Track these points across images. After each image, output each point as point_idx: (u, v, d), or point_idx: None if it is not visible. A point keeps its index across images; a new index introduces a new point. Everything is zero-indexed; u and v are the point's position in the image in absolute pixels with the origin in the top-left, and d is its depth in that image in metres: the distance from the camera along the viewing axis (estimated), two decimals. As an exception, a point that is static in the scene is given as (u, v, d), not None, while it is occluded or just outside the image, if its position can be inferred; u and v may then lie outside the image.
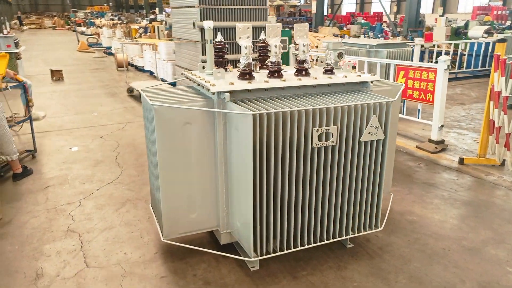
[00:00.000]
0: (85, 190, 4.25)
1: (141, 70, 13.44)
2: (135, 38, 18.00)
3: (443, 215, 3.68)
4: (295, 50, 7.98)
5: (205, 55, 7.47)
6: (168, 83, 9.62)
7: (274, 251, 2.71)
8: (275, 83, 2.74)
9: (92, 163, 5.03)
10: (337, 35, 16.94)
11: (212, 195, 2.92)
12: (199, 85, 2.96)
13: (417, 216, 3.67)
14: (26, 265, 2.97)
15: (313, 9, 23.05)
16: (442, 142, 5.47)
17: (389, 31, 21.65)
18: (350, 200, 2.82)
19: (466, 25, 14.35)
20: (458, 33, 13.96)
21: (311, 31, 17.56)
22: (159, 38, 17.68)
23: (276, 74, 2.87)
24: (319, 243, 2.83)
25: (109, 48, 19.55)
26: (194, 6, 7.48)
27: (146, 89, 3.08)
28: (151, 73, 12.37)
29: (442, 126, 5.40)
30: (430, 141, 5.47)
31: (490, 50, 11.22)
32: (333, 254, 3.06)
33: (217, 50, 3.06)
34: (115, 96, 9.37)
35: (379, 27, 25.20)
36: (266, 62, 2.98)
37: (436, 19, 31.10)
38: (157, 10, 41.99)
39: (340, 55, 3.16)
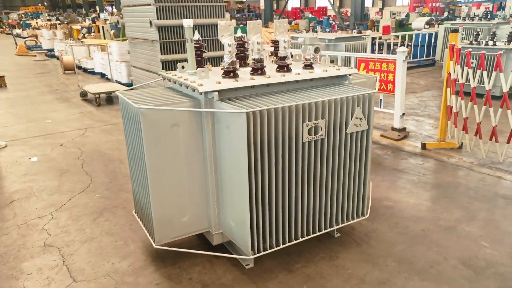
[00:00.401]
0: (55, 202, 4.03)
1: (91, 72, 12.87)
2: (78, 39, 17.15)
3: (417, 199, 3.89)
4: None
5: (165, 54, 7.33)
6: (126, 85, 9.31)
7: (271, 247, 2.73)
8: (260, 80, 2.75)
9: (57, 173, 4.77)
10: (288, 30, 17.20)
11: (203, 196, 2.89)
12: (181, 85, 2.90)
13: (394, 201, 3.85)
14: (7, 286, 2.77)
15: (262, 5, 23.20)
16: (404, 129, 5.75)
17: (337, 25, 22.29)
18: (339, 190, 2.91)
19: (408, 17, 15.11)
20: (402, 25, 14.68)
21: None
22: (104, 38, 17.01)
23: (260, 71, 2.88)
24: (311, 235, 2.89)
25: (51, 50, 18.54)
26: (149, 4, 7.27)
27: (124, 92, 2.97)
28: (102, 75, 11.89)
29: (403, 114, 5.68)
30: (393, 129, 5.74)
31: (433, 40, 11.92)
32: (322, 245, 3.14)
33: (195, 49, 3.00)
34: (68, 101, 8.92)
35: (327, 21, 25.89)
36: (248, 59, 2.97)
37: (377, 12, 32.47)
38: (97, 8, 40.34)
39: (317, 50, 3.22)
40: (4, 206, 3.98)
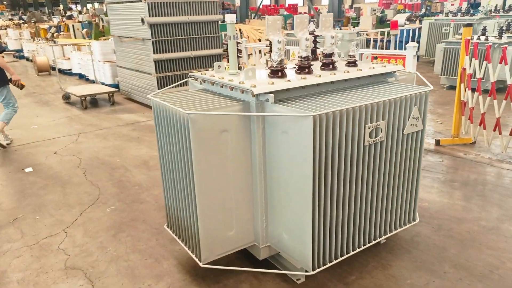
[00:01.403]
0: (65, 217, 3.66)
1: (68, 73, 12.23)
2: (47, 38, 16.29)
3: (450, 198, 3.78)
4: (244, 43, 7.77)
5: (159, 53, 6.97)
6: (112, 86, 8.85)
7: (330, 261, 2.53)
8: (312, 79, 2.53)
9: (58, 184, 4.37)
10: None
11: (249, 208, 2.64)
12: (222, 86, 2.63)
13: (428, 201, 3.72)
14: (35, 320, 2.44)
15: (237, 2, 22.88)
16: (414, 126, 5.66)
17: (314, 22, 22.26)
18: (394, 195, 2.73)
19: (386, 14, 15.25)
20: (382, 21, 14.78)
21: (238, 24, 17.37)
22: (75, 37, 16.24)
23: (307, 70, 2.66)
24: (368, 244, 2.70)
25: (20, 51, 17.57)
26: (140, 1, 6.90)
27: (157, 95, 2.68)
28: (81, 76, 11.31)
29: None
30: (404, 126, 5.64)
31: (416, 36, 12.03)
32: (370, 252, 2.96)
33: (226, 48, 2.75)
34: (49, 104, 8.38)
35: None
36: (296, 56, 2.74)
37: (347, 9, 32.73)
38: (61, 7, 38.70)
39: (356, 46, 3.04)
40: (7, 224, 3.58)
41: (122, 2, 7.54)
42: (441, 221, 3.39)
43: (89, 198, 4.05)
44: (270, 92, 2.34)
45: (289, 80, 2.47)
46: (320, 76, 2.58)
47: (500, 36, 8.04)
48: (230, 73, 2.67)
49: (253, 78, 2.53)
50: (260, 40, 10.85)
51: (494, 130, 4.64)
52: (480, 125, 4.85)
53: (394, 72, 2.92)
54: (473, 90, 4.84)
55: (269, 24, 2.51)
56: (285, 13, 28.23)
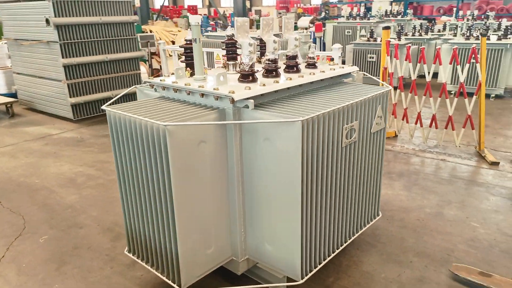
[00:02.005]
0: (-13, 255, 3.06)
1: None
2: None
3: (392, 189, 4.03)
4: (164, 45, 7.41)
5: (68, 57, 6.27)
6: (8, 96, 7.76)
7: (315, 266, 2.48)
8: (287, 83, 2.46)
9: (-33, 216, 3.66)
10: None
11: (227, 221, 2.48)
12: (189, 93, 2.42)
13: (375, 195, 3.91)
14: None
15: (137, 2, 21.86)
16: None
17: (220, 23, 22.34)
18: (364, 193, 2.79)
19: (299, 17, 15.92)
20: (288, 23, 15.39)
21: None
22: None
23: (275, 73, 2.58)
24: (344, 245, 2.72)
25: None
26: (44, -1, 6.14)
27: (113, 107, 2.37)
28: (-36, 85, 9.70)
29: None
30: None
31: (322, 38, 12.73)
32: (341, 252, 2.99)
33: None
34: None
35: (206, 20, 25.76)
36: (262, 59, 2.63)
37: (250, 13, 33.49)
38: None
39: (309, 48, 3.05)
40: None
41: (20, 1, 6.63)
42: (392, 212, 3.58)
43: (13, 229, 3.45)
44: (250, 98, 2.21)
45: (264, 84, 2.36)
46: (290, 79, 2.52)
47: (399, 38, 8.90)
48: (196, 79, 2.47)
49: (225, 83, 2.37)
50: (173, 42, 10.47)
51: (416, 123, 5.09)
52: (403, 119, 5.28)
53: (351, 73, 2.99)
54: (395, 88, 5.25)
55: (238, 26, 2.38)
56: (188, 14, 27.83)
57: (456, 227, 3.34)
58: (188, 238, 2.25)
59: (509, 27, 7.87)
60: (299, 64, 2.76)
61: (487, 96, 5.52)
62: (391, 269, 2.82)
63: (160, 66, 11.18)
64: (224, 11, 26.01)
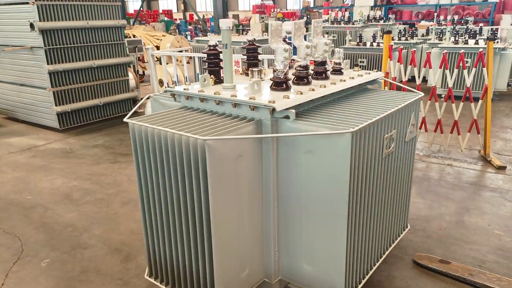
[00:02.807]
0: (-16, 284, 2.76)
1: None
2: None
3: (407, 197, 3.93)
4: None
5: (53, 63, 5.92)
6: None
7: (358, 284, 2.33)
8: (323, 90, 2.31)
9: (-45, 240, 3.32)
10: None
11: (261, 240, 2.29)
12: (218, 103, 2.22)
13: (391, 203, 3.81)
14: None
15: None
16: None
17: (200, 28, 22.13)
18: (398, 205, 2.67)
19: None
20: (271, 28, 15.30)
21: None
22: None
23: (306, 80, 2.42)
24: (381, 259, 2.58)
25: None
26: (27, 3, 5.81)
27: (137, 119, 2.15)
28: None
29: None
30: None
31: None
32: (383, 266, 2.85)
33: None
34: None
35: (185, 24, 25.48)
36: (295, 66, 2.46)
37: (230, 18, 33.50)
38: None
39: (332, 53, 2.92)
40: None
41: (1, 5, 6.24)
42: (412, 221, 3.48)
43: (10, 252, 3.15)
44: (292, 108, 2.04)
45: (301, 93, 2.20)
46: (325, 86, 2.37)
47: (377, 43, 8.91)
48: (225, 87, 2.28)
49: (259, 92, 2.19)
50: (158, 47, 10.19)
51: (420, 128, 5.03)
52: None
53: (378, 79, 2.87)
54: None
55: (272, 30, 2.21)
56: (166, 18, 27.46)
57: (481, 235, 3.26)
58: (225, 260, 2.06)
59: (495, 32, 8.02)
60: (328, 70, 2.62)
61: (476, 99, 5.59)
62: (426, 284, 2.70)
63: (143, 72, 10.89)
64: (203, 16, 25.76)
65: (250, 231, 2.19)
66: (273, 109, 2.00)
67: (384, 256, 2.61)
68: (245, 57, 2.71)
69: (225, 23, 2.16)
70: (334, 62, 2.78)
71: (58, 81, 6.25)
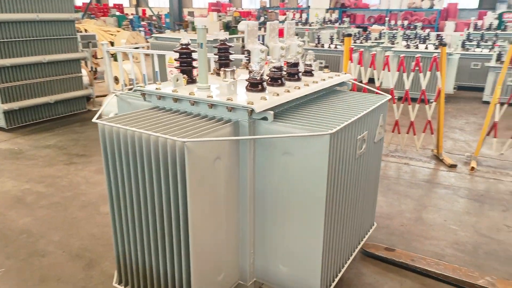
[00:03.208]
0: None
1: None
2: None
3: (369, 195, 4.07)
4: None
5: (2, 58, 5.52)
6: None
7: (331, 284, 2.36)
8: (297, 92, 2.32)
9: None
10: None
11: (237, 243, 2.27)
12: (193, 104, 2.17)
13: (354, 202, 3.92)
14: None
15: None
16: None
17: (155, 24, 21.56)
18: (367, 204, 2.74)
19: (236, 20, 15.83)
20: (228, 27, 15.23)
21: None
22: None
23: (280, 82, 2.42)
24: (351, 258, 2.64)
25: None
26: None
27: (107, 119, 2.05)
28: None
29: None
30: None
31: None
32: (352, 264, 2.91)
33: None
34: None
35: (137, 20, 24.74)
36: (270, 67, 2.44)
37: (186, 15, 33.01)
38: None
39: (305, 55, 2.95)
40: None
41: None
42: (376, 219, 3.58)
43: (-42, 263, 2.89)
44: (270, 109, 2.03)
45: (277, 94, 2.19)
46: (299, 87, 2.38)
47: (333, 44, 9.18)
48: (200, 88, 2.23)
49: (235, 93, 2.16)
50: (112, 43, 9.80)
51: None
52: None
53: (346, 81, 2.93)
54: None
55: (249, 31, 2.19)
56: (117, 13, 26.49)
57: (438, 231, 3.44)
58: (202, 264, 2.02)
59: (442, 37, 8.50)
60: (300, 72, 2.64)
61: (420, 101, 5.94)
62: (393, 279, 2.80)
63: (96, 68, 10.43)
64: (158, 12, 25.13)
65: (226, 234, 2.16)
66: (252, 111, 1.98)
67: (354, 254, 2.68)
68: (216, 57, 2.67)
69: (201, 22, 2.10)
70: (305, 64, 2.80)
71: (5, 77, 5.84)
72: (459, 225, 3.53)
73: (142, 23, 24.67)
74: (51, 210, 3.69)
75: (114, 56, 7.73)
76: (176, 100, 2.23)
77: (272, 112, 2.03)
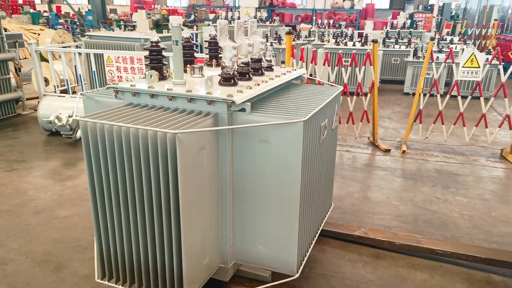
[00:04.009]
0: None
1: None
2: None
3: (320, 181, 4.41)
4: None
5: None
6: None
7: (303, 259, 2.60)
8: (267, 85, 2.51)
9: None
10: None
11: (218, 227, 2.41)
12: (171, 99, 2.26)
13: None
14: None
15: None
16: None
17: (77, 22, 20.42)
18: (326, 186, 3.02)
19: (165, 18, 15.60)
20: (158, 25, 14.96)
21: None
22: None
23: (247, 76, 2.60)
24: (317, 236, 2.91)
25: None
26: None
27: (90, 116, 2.08)
28: None
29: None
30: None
31: (199, 39, 12.83)
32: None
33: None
34: None
35: (55, 17, 23.27)
36: (238, 62, 2.59)
37: (109, 12, 31.59)
38: None
39: (267, 52, 3.16)
40: None
41: None
42: (329, 201, 3.93)
43: None
44: (247, 101, 2.20)
45: (250, 87, 2.37)
46: (266, 81, 2.58)
47: (279, 43, 9.60)
48: (176, 83, 2.33)
49: (211, 87, 2.30)
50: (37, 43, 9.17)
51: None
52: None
53: (302, 75, 3.19)
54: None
55: (221, 29, 2.33)
56: (32, 10, 24.63)
57: (383, 207, 3.86)
58: (192, 250, 2.14)
59: (367, 36, 9.24)
60: (263, 67, 2.84)
61: (356, 94, 6.51)
62: (352, 250, 3.13)
63: (20, 69, 9.71)
64: (79, 8, 23.80)
65: (210, 220, 2.30)
66: (232, 103, 2.14)
67: (318, 232, 2.95)
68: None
69: (176, 20, 2.22)
70: (266, 60, 3.00)
71: None
72: (399, 201, 3.98)
73: (60, 21, 23.21)
74: (3, 219, 3.51)
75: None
76: (152, 96, 2.31)
77: (249, 104, 2.20)
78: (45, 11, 28.66)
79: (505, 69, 5.17)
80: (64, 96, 6.24)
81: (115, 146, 2.04)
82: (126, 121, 2.01)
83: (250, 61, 2.61)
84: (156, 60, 2.52)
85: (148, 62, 2.52)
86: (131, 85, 2.34)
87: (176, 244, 2.09)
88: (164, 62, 2.54)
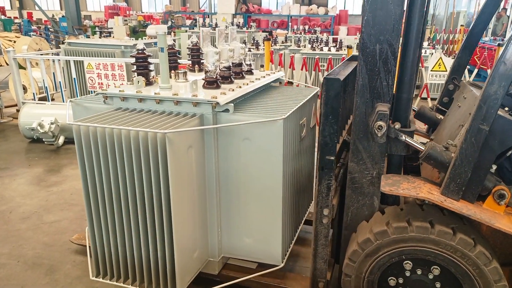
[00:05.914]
0: None
1: None
2: None
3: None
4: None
5: None
6: None
7: (287, 249, 2.77)
8: (249, 86, 2.69)
9: None
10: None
11: (206, 222, 2.56)
12: (158, 102, 2.41)
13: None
14: None
15: None
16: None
17: (51, 29, 20.16)
18: (307, 181, 3.21)
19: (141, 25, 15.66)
20: (135, 31, 14.98)
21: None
22: None
23: (229, 79, 2.76)
24: (301, 225, 3.08)
25: None
26: None
27: (83, 120, 2.20)
28: None
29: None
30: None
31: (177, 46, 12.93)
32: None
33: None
34: None
35: (28, 23, 22.90)
36: (220, 66, 2.75)
37: (83, 19, 31.20)
38: None
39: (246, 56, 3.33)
40: None
41: None
42: (309, 198, 4.11)
43: None
44: (231, 102, 2.37)
45: (233, 90, 2.53)
46: (247, 84, 2.75)
47: (257, 48, 9.80)
48: (163, 88, 2.47)
49: (196, 90, 2.45)
50: (14, 49, 9.10)
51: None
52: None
53: (280, 77, 3.38)
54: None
55: (203, 36, 2.49)
56: (3, 17, 24.14)
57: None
58: (183, 245, 2.28)
59: (341, 41, 9.55)
60: (243, 71, 3.00)
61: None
62: (332, 243, 3.31)
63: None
64: (53, 15, 23.48)
65: (199, 215, 2.44)
66: (217, 104, 2.30)
67: (301, 225, 3.12)
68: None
69: (161, 29, 2.36)
70: (246, 64, 3.18)
71: None
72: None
73: (33, 27, 22.85)
74: (-10, 225, 3.55)
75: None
76: (141, 100, 2.45)
77: (232, 105, 2.37)
78: (15, 17, 28.13)
79: (470, 72, 5.50)
80: (44, 104, 6.26)
81: (108, 147, 2.16)
82: (117, 124, 2.14)
83: (231, 65, 2.77)
84: (142, 67, 2.65)
85: (135, 69, 2.65)
86: (120, 91, 2.47)
87: (168, 238, 2.22)
88: (151, 69, 2.68)
